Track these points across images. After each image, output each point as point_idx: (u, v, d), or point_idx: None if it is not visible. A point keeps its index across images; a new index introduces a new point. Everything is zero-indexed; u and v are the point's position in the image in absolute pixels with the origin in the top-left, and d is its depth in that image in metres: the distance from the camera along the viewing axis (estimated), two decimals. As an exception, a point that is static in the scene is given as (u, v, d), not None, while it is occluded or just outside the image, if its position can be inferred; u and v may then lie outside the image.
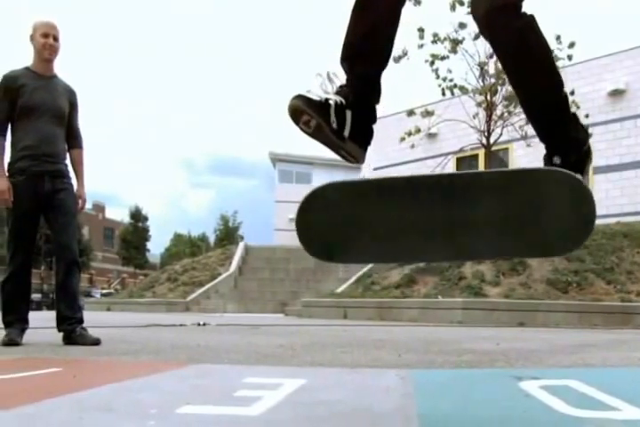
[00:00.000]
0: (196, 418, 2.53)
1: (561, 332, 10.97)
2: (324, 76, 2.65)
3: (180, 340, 7.68)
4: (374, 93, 2.76)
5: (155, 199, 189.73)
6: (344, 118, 2.61)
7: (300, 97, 2.53)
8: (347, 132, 2.62)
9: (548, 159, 2.76)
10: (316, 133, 2.60)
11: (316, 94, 2.58)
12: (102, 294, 50.62)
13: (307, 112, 2.52)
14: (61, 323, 6.66)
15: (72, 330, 6.60)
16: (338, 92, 2.62)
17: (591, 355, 6.04)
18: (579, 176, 2.42)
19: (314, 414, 2.68)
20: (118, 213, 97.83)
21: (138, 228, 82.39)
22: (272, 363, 4.91)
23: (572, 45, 18.80)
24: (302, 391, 3.26)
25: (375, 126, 2.71)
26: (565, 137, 2.74)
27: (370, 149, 2.63)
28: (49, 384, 3.55)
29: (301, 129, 2.59)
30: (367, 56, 2.68)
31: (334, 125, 2.58)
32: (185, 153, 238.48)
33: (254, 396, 3.03)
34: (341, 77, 2.69)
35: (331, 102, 2.57)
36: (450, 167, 28.29)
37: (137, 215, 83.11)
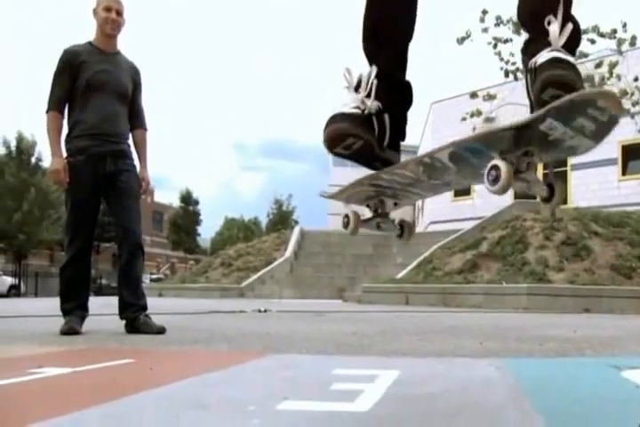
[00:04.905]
0: (304, 415, 2.34)
1: (630, 318, 10.83)
2: (346, 75, 2.49)
3: (246, 327, 7.53)
4: (402, 72, 2.59)
5: (205, 183, 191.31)
6: (384, 126, 2.45)
7: (343, 118, 2.33)
8: (386, 141, 2.48)
9: (533, 47, 2.38)
10: (357, 154, 2.42)
11: (353, 106, 2.38)
12: (152, 280, 50.65)
13: (353, 134, 2.32)
14: (124, 310, 6.40)
15: (135, 318, 6.34)
16: (369, 93, 2.42)
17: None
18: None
19: (426, 409, 2.50)
20: (167, 197, 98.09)
21: (188, 211, 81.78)
22: (352, 352, 4.73)
23: (633, 41, 18.40)
24: (401, 384, 3.06)
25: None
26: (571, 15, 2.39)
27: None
28: (127, 378, 3.36)
29: (337, 153, 2.40)
30: (392, 28, 2.52)
31: (377, 138, 2.42)
32: (236, 136, 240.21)
33: (354, 389, 2.84)
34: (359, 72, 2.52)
35: (372, 111, 2.39)
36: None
37: (187, 199, 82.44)
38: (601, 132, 2.10)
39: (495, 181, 2.07)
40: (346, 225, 2.56)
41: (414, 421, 2.29)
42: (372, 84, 2.43)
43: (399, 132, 2.54)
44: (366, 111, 2.37)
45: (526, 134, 2.10)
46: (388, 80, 2.47)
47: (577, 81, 2.12)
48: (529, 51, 2.38)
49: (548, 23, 2.24)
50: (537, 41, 2.33)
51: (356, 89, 2.47)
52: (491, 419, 2.34)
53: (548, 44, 2.25)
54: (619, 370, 3.58)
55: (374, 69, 2.45)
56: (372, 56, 2.52)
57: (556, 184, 2.30)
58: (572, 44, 2.30)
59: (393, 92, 2.49)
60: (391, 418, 2.31)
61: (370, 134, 2.36)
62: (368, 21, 2.56)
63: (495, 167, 2.08)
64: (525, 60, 2.39)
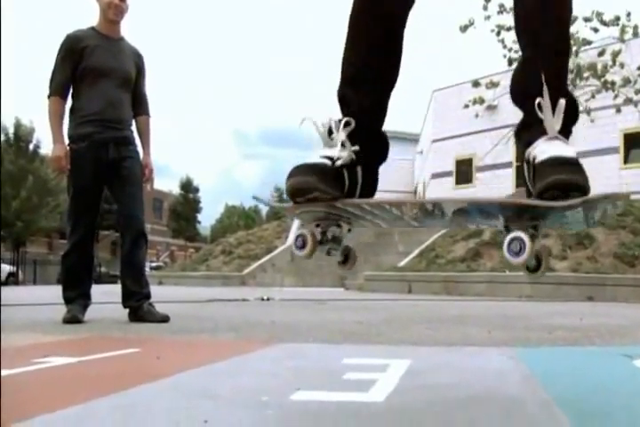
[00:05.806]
0: (320, 406, 2.28)
1: (634, 307, 10.78)
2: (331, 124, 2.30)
3: (250, 316, 7.51)
4: (380, 123, 2.43)
5: (205, 170, 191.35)
6: (356, 179, 2.27)
7: (310, 170, 2.14)
8: (357, 196, 2.28)
9: (527, 134, 2.27)
10: (319, 207, 2.25)
11: (324, 155, 2.21)
12: (152, 268, 50.46)
13: (320, 189, 2.13)
14: (127, 299, 6.35)
15: (139, 306, 6.29)
16: (343, 143, 2.24)
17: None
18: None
19: (442, 399, 2.47)
20: (167, 184, 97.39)
21: (188, 199, 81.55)
22: (359, 341, 4.70)
23: (636, 31, 18.37)
24: (414, 374, 3.02)
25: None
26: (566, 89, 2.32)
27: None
28: (134, 367, 3.32)
29: (298, 202, 2.21)
30: (374, 75, 2.38)
31: (346, 193, 2.23)
32: (237, 123, 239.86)
33: (366, 379, 2.80)
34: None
35: (345, 163, 2.20)
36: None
37: (187, 186, 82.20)
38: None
39: (518, 253, 2.01)
40: (300, 246, 2.26)
41: (431, 411, 2.24)
42: (346, 134, 2.26)
43: (371, 187, 2.37)
44: (338, 162, 2.20)
45: (548, 213, 2.08)
46: (365, 131, 2.31)
47: (582, 180, 2.01)
48: (523, 138, 2.28)
49: (539, 107, 2.13)
50: (531, 128, 2.23)
51: (329, 134, 2.30)
52: (508, 410, 2.29)
53: (544, 132, 2.15)
54: (630, 359, 3.55)
55: (352, 121, 2.28)
56: (348, 104, 2.37)
57: (543, 257, 2.26)
58: (568, 125, 2.20)
59: (368, 144, 2.32)
60: (408, 409, 2.26)
61: (338, 190, 2.18)
62: (348, 67, 2.42)
63: (518, 239, 2.02)
64: (520, 147, 2.29)
